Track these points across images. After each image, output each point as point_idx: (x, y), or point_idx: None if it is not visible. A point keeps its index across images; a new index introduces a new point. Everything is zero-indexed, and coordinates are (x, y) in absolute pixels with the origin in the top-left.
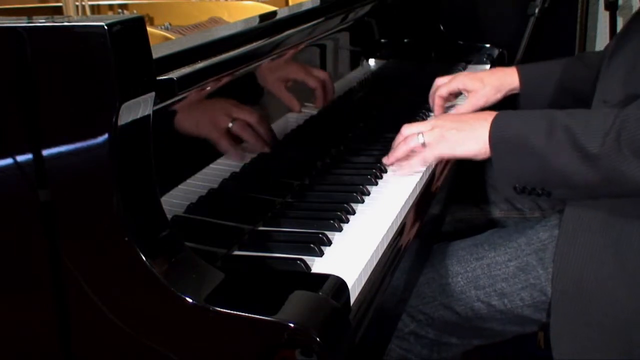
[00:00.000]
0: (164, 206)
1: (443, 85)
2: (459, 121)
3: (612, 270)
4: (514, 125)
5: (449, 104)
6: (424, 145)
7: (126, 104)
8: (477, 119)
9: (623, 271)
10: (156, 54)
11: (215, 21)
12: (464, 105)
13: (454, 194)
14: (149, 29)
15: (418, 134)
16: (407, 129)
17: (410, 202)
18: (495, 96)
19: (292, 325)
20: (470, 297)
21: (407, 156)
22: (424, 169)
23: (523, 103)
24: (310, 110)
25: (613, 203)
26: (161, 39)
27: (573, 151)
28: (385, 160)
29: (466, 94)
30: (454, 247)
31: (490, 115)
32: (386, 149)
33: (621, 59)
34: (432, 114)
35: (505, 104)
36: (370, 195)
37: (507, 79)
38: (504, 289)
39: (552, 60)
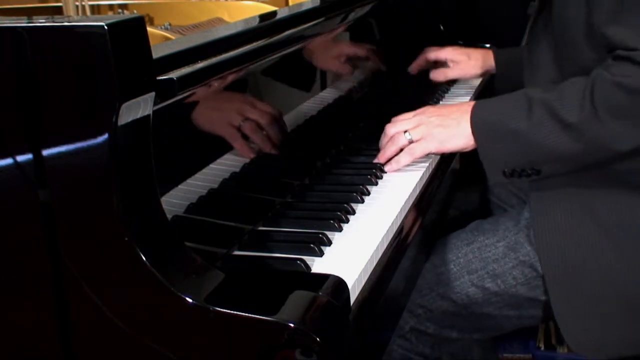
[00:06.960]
0: (164, 206)
1: (433, 51)
2: (443, 116)
3: (594, 240)
4: (493, 111)
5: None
6: (410, 142)
7: (126, 104)
8: (460, 112)
9: (607, 237)
10: (156, 54)
11: (215, 21)
12: (451, 70)
13: (454, 193)
14: (149, 29)
15: (404, 132)
16: (392, 128)
17: (410, 202)
18: (477, 70)
19: (292, 325)
20: (465, 283)
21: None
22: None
23: (498, 84)
24: (314, 105)
25: (575, 177)
26: (161, 39)
27: (554, 124)
28: (376, 160)
29: (451, 64)
30: (445, 237)
31: (470, 106)
32: None
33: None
34: None
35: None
36: (370, 195)
37: (487, 59)
38: (496, 270)
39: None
